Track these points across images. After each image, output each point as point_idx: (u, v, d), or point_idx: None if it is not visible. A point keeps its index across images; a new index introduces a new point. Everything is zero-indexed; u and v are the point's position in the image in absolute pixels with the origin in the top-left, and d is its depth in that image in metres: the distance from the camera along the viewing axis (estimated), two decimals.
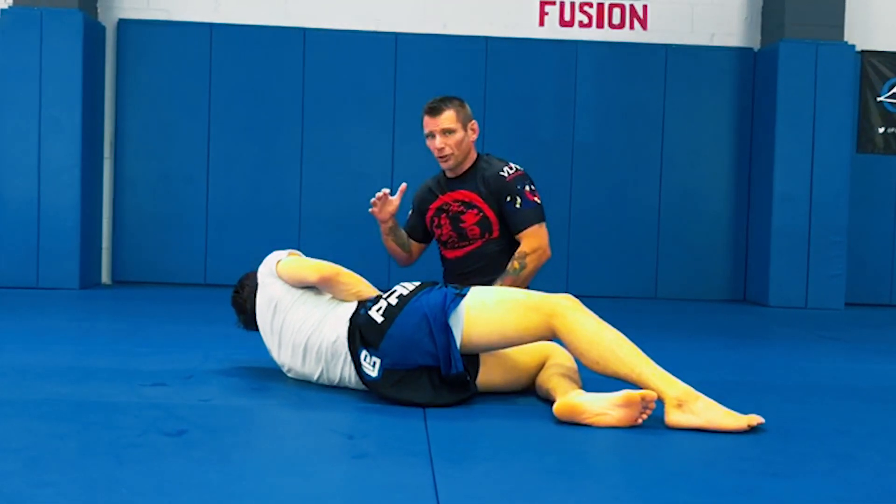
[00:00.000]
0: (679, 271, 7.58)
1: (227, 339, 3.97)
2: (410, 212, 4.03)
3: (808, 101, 7.14)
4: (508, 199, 3.71)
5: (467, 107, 3.84)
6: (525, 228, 3.71)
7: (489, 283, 3.67)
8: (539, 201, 3.76)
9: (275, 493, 2.00)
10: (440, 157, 3.79)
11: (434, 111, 3.77)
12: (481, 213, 3.74)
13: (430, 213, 3.89)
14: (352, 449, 2.43)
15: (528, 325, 2.87)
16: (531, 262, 3.69)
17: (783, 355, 4.66)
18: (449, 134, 3.74)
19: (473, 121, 3.83)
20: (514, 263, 3.68)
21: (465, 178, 3.81)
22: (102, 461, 2.19)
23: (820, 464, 2.39)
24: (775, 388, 3.51)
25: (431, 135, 3.78)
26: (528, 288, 3.82)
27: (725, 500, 2.05)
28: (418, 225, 3.98)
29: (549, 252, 3.76)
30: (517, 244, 3.80)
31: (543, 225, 3.75)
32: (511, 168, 3.77)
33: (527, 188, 3.73)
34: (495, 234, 3.75)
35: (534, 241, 3.71)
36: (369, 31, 7.44)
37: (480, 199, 3.75)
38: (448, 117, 3.75)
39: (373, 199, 3.73)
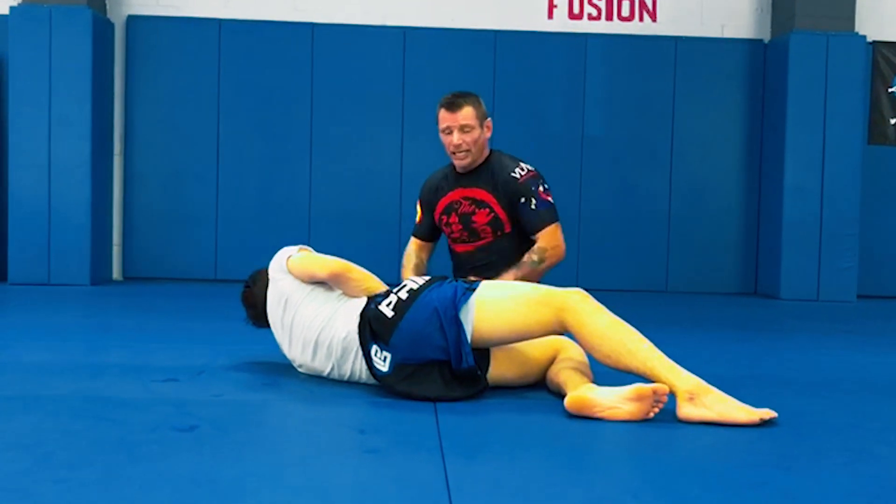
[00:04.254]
0: (690, 264, 7.56)
1: (238, 335, 3.97)
2: (419, 209, 3.99)
3: (819, 93, 7.10)
4: (523, 200, 3.69)
5: (483, 104, 3.81)
6: (542, 229, 3.70)
7: (500, 276, 3.66)
8: (552, 201, 3.75)
9: (286, 488, 2.00)
10: (455, 154, 3.75)
11: (453, 106, 3.71)
12: (493, 213, 3.71)
13: (438, 210, 3.86)
14: (363, 444, 2.43)
15: (538, 320, 2.86)
16: (550, 258, 3.69)
17: (795, 348, 4.64)
18: (467, 131, 3.70)
19: (489, 118, 3.80)
20: (533, 256, 3.66)
21: (476, 175, 3.78)
22: (114, 457, 2.20)
23: (833, 458, 2.37)
24: (787, 382, 3.49)
25: (448, 130, 3.72)
26: (539, 282, 3.81)
27: (738, 493, 2.04)
28: (429, 222, 3.95)
29: (564, 252, 3.76)
30: (528, 238, 3.78)
31: (558, 225, 3.74)
32: (523, 169, 3.74)
33: (540, 188, 3.71)
34: (507, 229, 3.74)
35: (553, 238, 3.71)
36: (378, 25, 7.43)
37: (493, 199, 3.72)
38: (467, 113, 3.70)
39: None
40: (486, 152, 3.81)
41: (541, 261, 3.67)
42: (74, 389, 2.99)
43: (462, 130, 3.69)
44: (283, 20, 7.39)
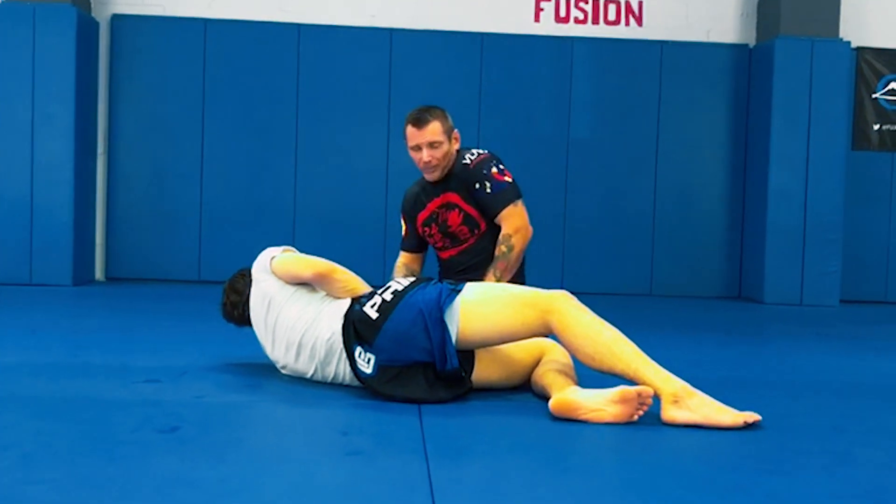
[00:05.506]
0: (674, 268, 7.58)
1: (221, 336, 3.95)
2: (403, 223, 3.98)
3: (804, 98, 7.14)
4: (477, 186, 3.66)
5: (449, 117, 3.79)
6: (501, 210, 3.66)
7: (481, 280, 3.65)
8: (510, 179, 3.70)
9: (268, 490, 1.98)
10: (425, 169, 3.75)
11: (420, 122, 3.69)
12: (462, 212, 3.71)
13: (419, 224, 3.86)
14: (346, 445, 2.42)
15: (523, 321, 2.86)
16: (517, 243, 3.65)
17: (778, 352, 4.66)
18: (436, 146, 3.69)
19: (455, 130, 3.80)
20: (501, 247, 3.63)
21: (445, 181, 3.76)
22: (95, 458, 2.18)
23: (817, 460, 2.38)
24: (771, 385, 3.51)
25: (417, 147, 3.71)
26: (523, 272, 3.80)
27: (722, 496, 2.04)
28: (415, 234, 3.93)
29: (531, 229, 3.70)
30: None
31: (520, 202, 3.69)
32: (473, 154, 3.72)
33: (493, 169, 3.68)
34: (483, 227, 3.73)
35: (514, 220, 3.66)
36: (364, 26, 7.42)
37: (458, 197, 3.72)
38: (434, 129, 3.68)
39: None
40: (453, 159, 3.80)
41: (510, 249, 3.63)
42: (55, 390, 2.96)
43: (431, 147, 3.68)
44: (268, 20, 7.36)
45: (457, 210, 3.71)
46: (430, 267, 4.04)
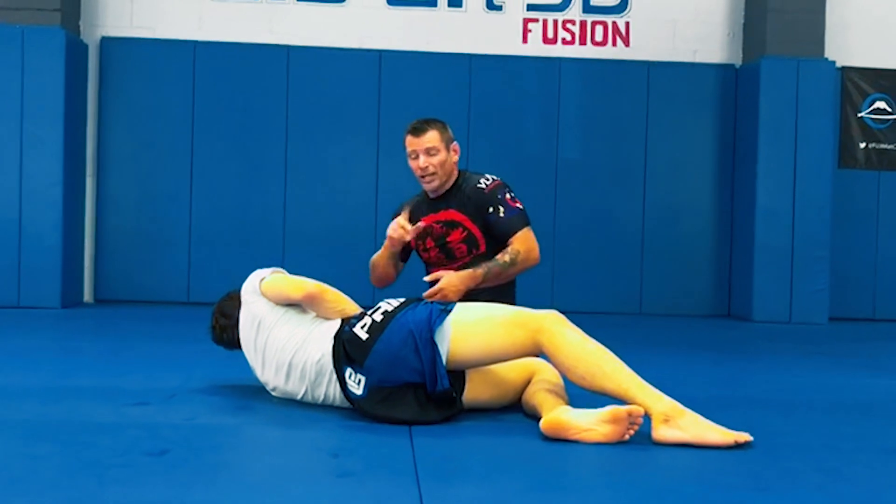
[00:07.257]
0: (663, 287, 7.59)
1: (211, 358, 3.94)
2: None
3: (790, 117, 7.19)
4: (490, 210, 3.71)
5: (449, 129, 3.84)
6: (514, 234, 3.71)
7: (476, 299, 3.64)
8: (521, 207, 3.76)
9: None
10: (423, 177, 3.77)
11: (418, 131, 3.76)
12: (466, 231, 3.74)
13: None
14: (337, 467, 2.41)
15: (514, 342, 2.86)
16: (521, 262, 3.67)
17: (768, 370, 4.67)
18: (433, 154, 3.73)
19: (455, 142, 3.83)
20: (505, 257, 3.65)
21: (447, 198, 3.80)
22: (84, 481, 2.16)
23: (807, 478, 2.38)
24: (761, 403, 3.51)
25: (415, 154, 3.76)
26: (513, 292, 3.80)
27: None
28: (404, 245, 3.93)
29: (538, 256, 3.74)
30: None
31: (530, 229, 3.75)
32: (488, 179, 3.78)
33: (507, 195, 3.74)
34: (482, 248, 3.74)
35: (525, 242, 3.71)
36: (353, 48, 7.45)
37: (464, 217, 3.74)
38: (432, 137, 3.74)
39: (399, 229, 3.63)
40: (455, 174, 3.83)
41: (512, 263, 3.66)
42: (43, 413, 2.95)
43: (428, 154, 3.72)
44: (258, 42, 7.39)
45: (460, 228, 3.74)
46: (417, 285, 4.03)
